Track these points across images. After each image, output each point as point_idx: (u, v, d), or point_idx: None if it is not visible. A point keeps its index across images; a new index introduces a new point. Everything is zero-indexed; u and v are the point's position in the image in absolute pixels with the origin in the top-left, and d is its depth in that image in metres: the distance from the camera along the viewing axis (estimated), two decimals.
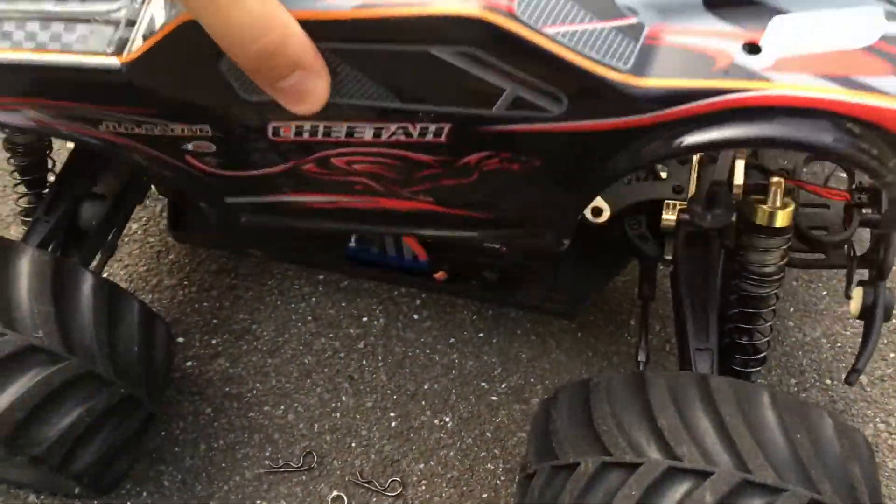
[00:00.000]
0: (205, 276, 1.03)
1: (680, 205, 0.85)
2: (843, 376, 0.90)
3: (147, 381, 0.81)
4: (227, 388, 0.97)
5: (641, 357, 0.82)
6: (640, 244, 0.84)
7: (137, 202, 0.91)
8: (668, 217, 0.85)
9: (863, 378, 0.95)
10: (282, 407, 0.96)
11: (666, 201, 0.85)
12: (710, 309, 0.79)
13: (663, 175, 0.88)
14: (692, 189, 0.86)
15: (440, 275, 0.89)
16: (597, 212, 0.85)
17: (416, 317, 1.01)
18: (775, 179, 0.73)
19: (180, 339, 1.00)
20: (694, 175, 0.86)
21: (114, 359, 0.76)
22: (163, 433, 0.94)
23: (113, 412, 0.76)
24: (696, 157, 0.86)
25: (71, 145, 0.91)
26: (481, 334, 1.00)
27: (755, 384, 0.74)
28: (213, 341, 1.00)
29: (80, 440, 0.74)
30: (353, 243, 0.87)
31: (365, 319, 1.01)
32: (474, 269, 0.87)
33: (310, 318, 1.01)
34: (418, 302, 1.01)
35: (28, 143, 0.90)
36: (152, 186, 0.95)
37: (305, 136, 0.61)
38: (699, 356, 0.77)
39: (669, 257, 0.84)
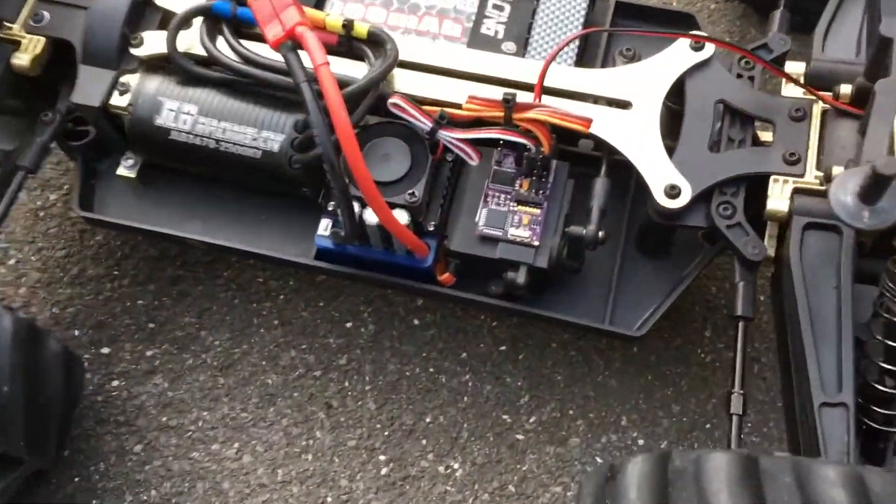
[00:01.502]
0: (141, 263, 0.78)
1: (797, 182, 0.59)
2: None
3: (30, 432, 0.57)
4: (165, 418, 0.73)
5: (736, 408, 0.56)
6: (735, 240, 0.58)
7: (30, 171, 0.66)
8: (778, 202, 0.59)
9: None
10: (235, 445, 0.72)
11: (773, 177, 0.59)
12: (845, 341, 0.53)
13: (766, 137, 0.62)
14: (813, 158, 0.59)
15: (446, 277, 0.63)
16: (673, 191, 0.58)
17: (416, 322, 0.76)
18: None
19: (105, 350, 0.75)
20: (815, 136, 0.60)
21: None
22: (76, 478, 0.71)
23: None
24: (817, 108, 0.60)
25: None
26: (503, 347, 0.75)
27: None
28: (149, 353, 0.75)
29: None
30: (322, 231, 0.62)
31: (349, 325, 0.76)
32: (494, 270, 0.62)
33: (276, 322, 0.76)
34: (420, 302, 0.76)
35: None
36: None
37: None
38: (827, 416, 0.52)
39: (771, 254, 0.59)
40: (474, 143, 0.60)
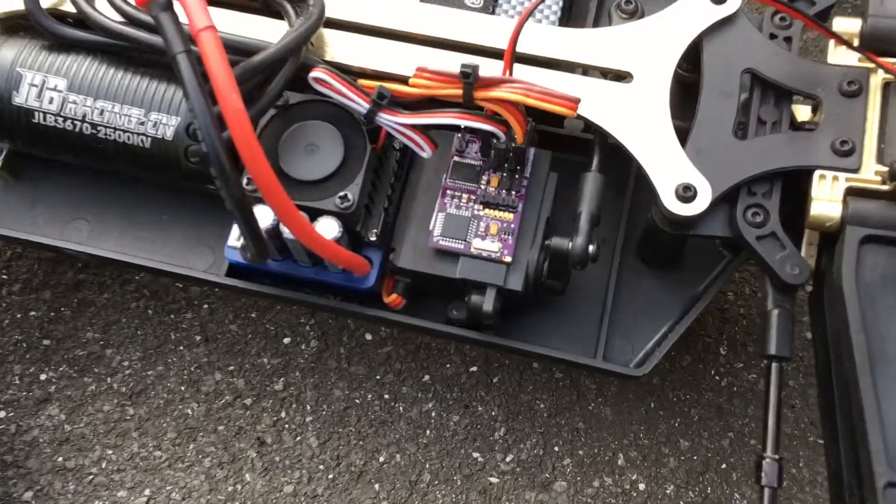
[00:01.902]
0: (35, 266, 0.64)
1: (850, 179, 0.45)
2: None
3: None
4: (61, 458, 0.60)
5: (771, 479, 0.43)
6: (767, 256, 0.45)
7: None
8: (825, 206, 0.45)
9: None
10: (147, 491, 0.59)
11: (818, 172, 0.45)
12: None
13: (805, 114, 0.48)
14: (872, 147, 0.46)
15: (394, 300, 0.49)
16: (687, 193, 0.45)
17: (368, 337, 0.62)
18: None
19: None
20: (874, 117, 0.46)
21: None
22: None
23: None
24: (877, 79, 0.46)
25: None
26: (473, 368, 0.61)
27: None
28: (43, 377, 0.62)
29: None
30: (233, 241, 0.48)
31: (286, 342, 0.62)
32: (455, 290, 0.48)
33: (198, 338, 0.63)
34: None
35: None
36: None
37: None
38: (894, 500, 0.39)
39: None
40: (425, 128, 0.45)
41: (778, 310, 0.45)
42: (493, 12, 0.51)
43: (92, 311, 0.63)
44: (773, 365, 0.45)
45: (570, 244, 0.45)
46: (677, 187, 0.44)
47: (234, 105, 0.38)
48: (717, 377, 0.60)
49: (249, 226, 0.40)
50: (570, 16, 0.52)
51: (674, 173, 0.45)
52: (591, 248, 0.45)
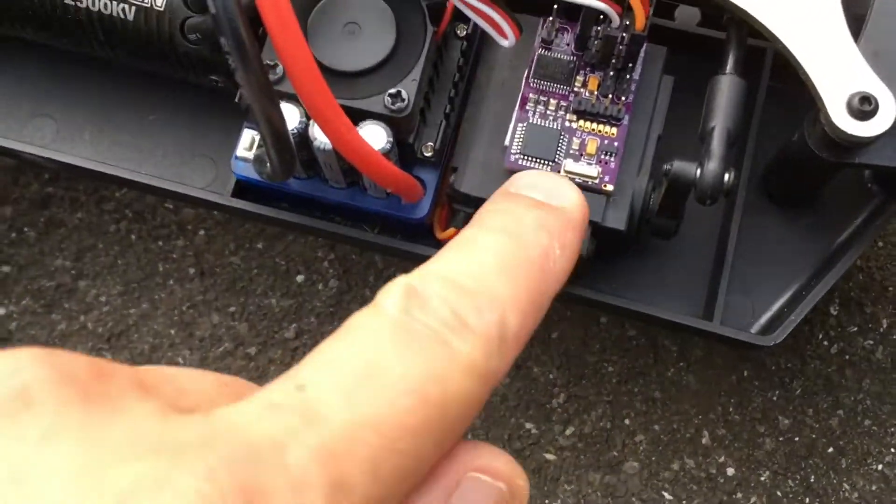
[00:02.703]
0: None
1: None
2: None
3: None
4: None
5: None
6: None
7: None
8: None
9: None
10: None
11: None
12: None
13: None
14: None
15: (451, 235, 0.38)
16: (865, 106, 0.33)
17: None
18: None
19: None
20: None
21: None
22: None
23: None
24: None
25: None
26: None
27: None
28: (2, 311, 0.51)
29: None
30: (243, 150, 0.36)
31: (300, 279, 0.51)
32: None
33: (192, 271, 0.51)
34: None
35: None
36: None
37: None
38: None
39: None
40: (509, 6, 0.33)
41: None
42: None
43: (62, 234, 0.52)
44: None
45: (699, 170, 0.33)
46: (851, 98, 0.33)
47: None
48: (825, 342, 0.49)
49: (275, 128, 0.28)
50: None
51: (847, 80, 0.33)
52: (727, 176, 0.33)
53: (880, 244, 0.51)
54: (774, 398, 0.49)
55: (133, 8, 0.36)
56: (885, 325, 0.50)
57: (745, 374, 0.49)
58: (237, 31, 0.26)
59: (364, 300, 0.50)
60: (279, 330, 0.50)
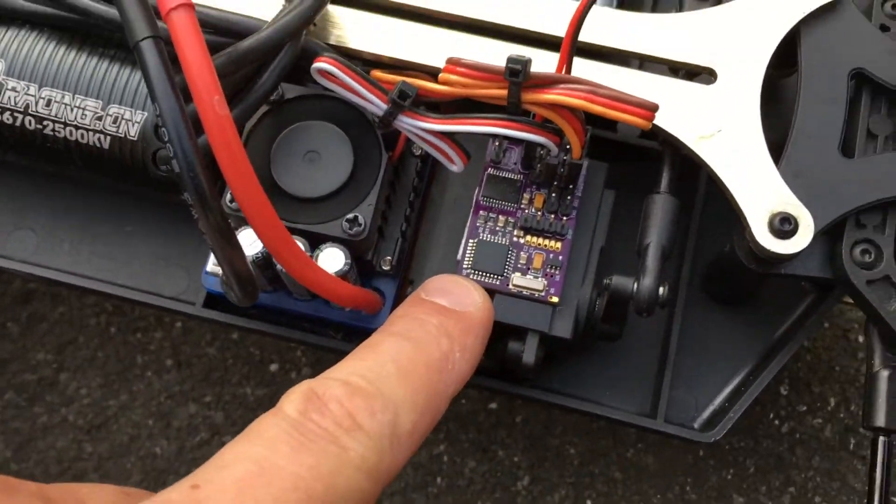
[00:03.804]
0: None
1: None
2: None
3: None
4: None
5: None
6: (879, 304, 0.36)
7: None
8: None
9: None
10: None
11: None
12: None
13: None
14: None
15: None
16: (785, 226, 0.36)
17: None
18: None
19: None
20: None
21: None
22: None
23: None
24: None
25: None
26: (493, 405, 0.52)
27: None
28: None
29: None
30: (211, 266, 0.39)
31: (273, 368, 0.53)
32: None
33: (169, 362, 0.53)
34: None
35: None
36: None
37: None
38: None
39: None
40: (456, 136, 0.36)
41: (889, 371, 0.36)
42: None
43: (44, 328, 0.54)
44: (882, 439, 0.36)
45: (636, 285, 0.36)
46: (773, 218, 0.35)
47: (215, 110, 0.28)
48: (776, 422, 0.52)
49: (235, 268, 0.31)
50: None
51: (768, 201, 0.36)
52: (661, 290, 0.36)
53: (826, 325, 0.53)
54: (729, 477, 0.51)
55: (108, 138, 0.38)
56: (832, 404, 0.52)
57: (701, 453, 0.51)
58: (200, 188, 0.28)
59: None
60: (254, 418, 0.52)
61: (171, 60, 0.29)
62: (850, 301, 0.39)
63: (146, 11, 0.29)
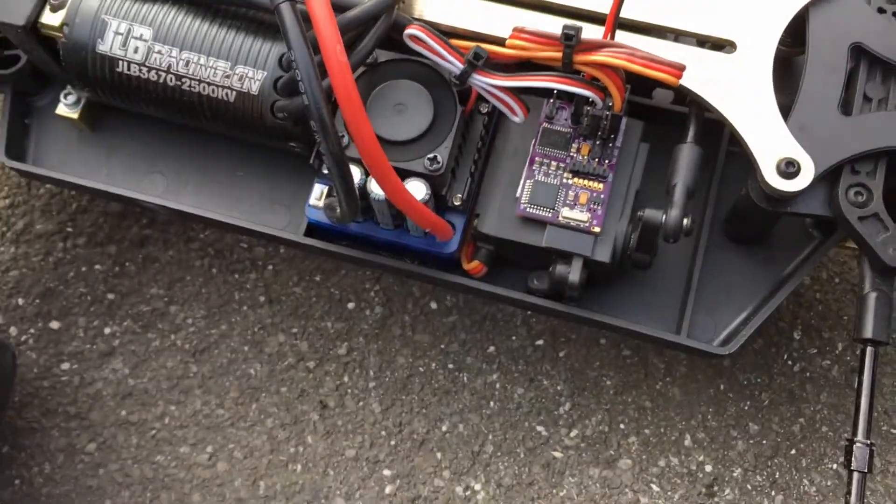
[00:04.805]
0: (100, 219, 0.64)
1: None
2: None
3: None
4: (124, 412, 0.59)
5: (861, 464, 0.42)
6: (869, 237, 0.43)
7: None
8: None
9: None
10: (209, 449, 0.58)
11: None
12: None
13: None
14: None
15: (475, 267, 0.49)
16: (790, 168, 0.43)
17: (433, 306, 0.61)
18: None
19: (54, 325, 0.62)
20: None
21: None
22: (16, 481, 0.58)
23: None
24: None
25: None
26: (540, 342, 0.60)
27: None
28: (107, 330, 0.62)
29: None
30: (314, 200, 0.47)
31: (351, 306, 0.62)
32: (539, 260, 0.47)
33: (262, 298, 0.62)
34: None
35: None
36: None
37: None
38: None
39: None
40: (519, 92, 0.44)
41: (876, 293, 0.44)
42: None
43: (156, 268, 0.63)
44: (869, 349, 0.44)
45: (664, 216, 0.44)
46: (779, 162, 0.43)
47: (339, 58, 0.37)
48: (789, 362, 0.59)
49: (346, 181, 0.39)
50: None
51: (776, 148, 0.43)
52: (685, 221, 0.43)
53: (836, 280, 0.61)
54: (746, 408, 0.58)
55: (234, 92, 0.47)
56: (839, 348, 0.59)
57: (721, 387, 0.59)
58: (323, 118, 0.37)
59: (404, 324, 0.61)
60: (333, 348, 0.61)
61: (304, 19, 0.37)
62: (856, 251, 0.46)
63: None
